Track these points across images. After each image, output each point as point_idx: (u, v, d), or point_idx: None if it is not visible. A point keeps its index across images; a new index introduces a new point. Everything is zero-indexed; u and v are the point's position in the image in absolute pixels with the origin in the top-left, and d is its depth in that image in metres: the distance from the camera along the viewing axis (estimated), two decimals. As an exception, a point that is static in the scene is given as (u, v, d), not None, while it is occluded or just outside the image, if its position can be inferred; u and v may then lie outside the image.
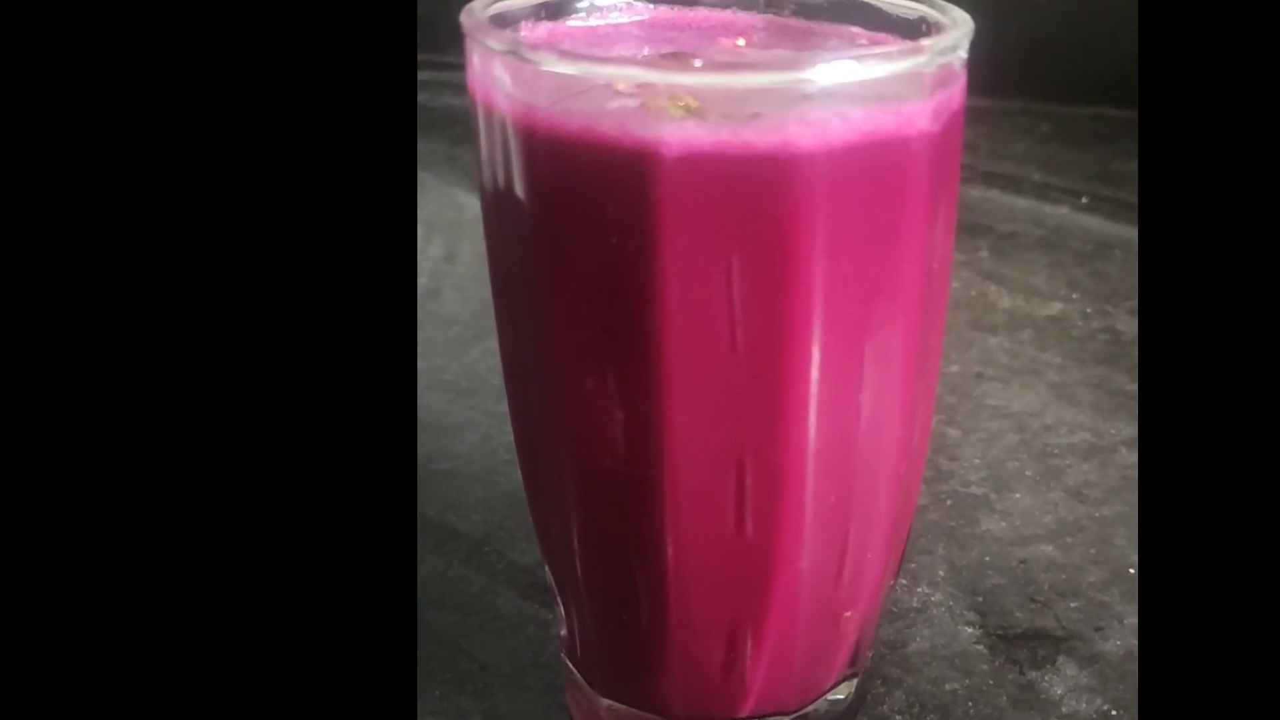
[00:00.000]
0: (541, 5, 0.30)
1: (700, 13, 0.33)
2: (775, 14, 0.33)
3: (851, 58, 0.24)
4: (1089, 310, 0.61)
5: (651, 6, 0.32)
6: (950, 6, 0.29)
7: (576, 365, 0.27)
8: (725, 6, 0.33)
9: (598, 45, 0.31)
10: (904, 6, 0.30)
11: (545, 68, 0.25)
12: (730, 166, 0.24)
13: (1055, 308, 0.62)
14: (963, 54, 0.27)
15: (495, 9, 0.29)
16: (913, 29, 0.30)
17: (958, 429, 0.52)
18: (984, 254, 0.68)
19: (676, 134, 0.24)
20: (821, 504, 0.29)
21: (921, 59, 0.25)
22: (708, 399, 0.27)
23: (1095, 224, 0.71)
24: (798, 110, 0.24)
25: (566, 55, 0.25)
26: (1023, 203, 0.74)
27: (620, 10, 0.32)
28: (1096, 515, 0.46)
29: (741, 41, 0.32)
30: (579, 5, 0.31)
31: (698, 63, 0.25)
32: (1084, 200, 0.74)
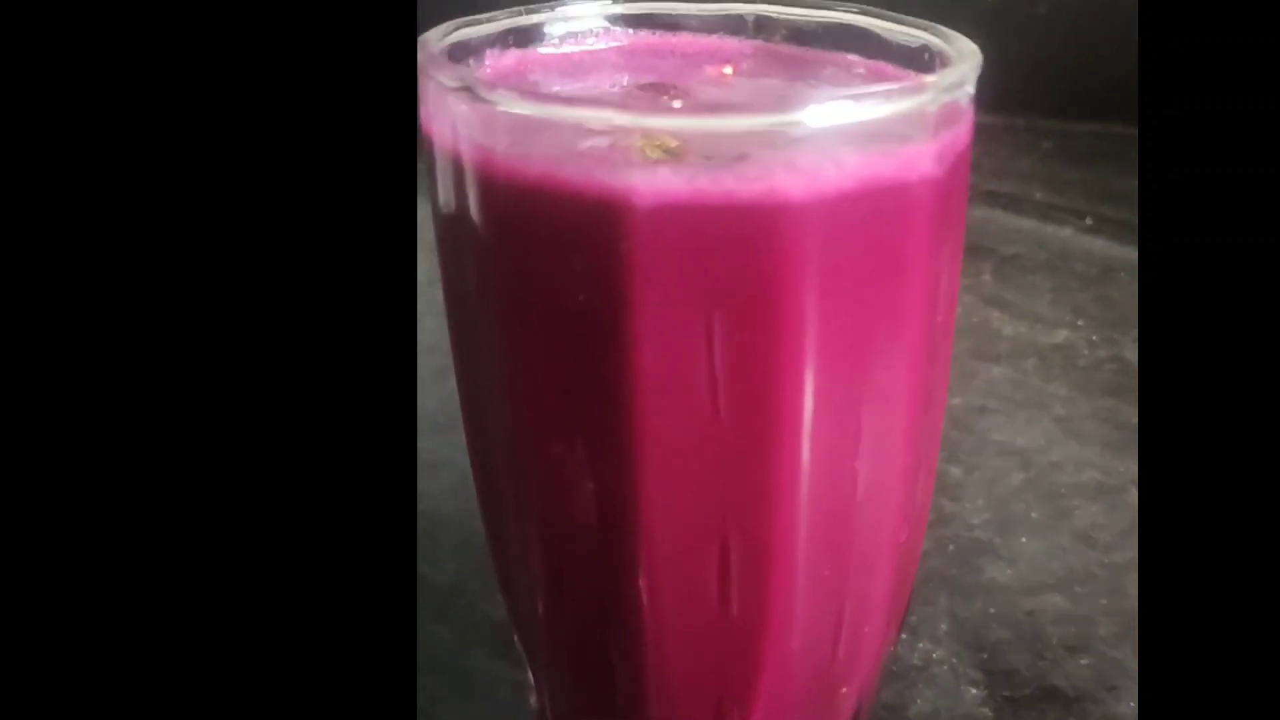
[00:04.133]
0: (509, 31, 0.28)
1: (684, 38, 0.30)
2: (765, 40, 0.30)
3: (847, 97, 0.22)
4: (1095, 338, 0.59)
5: (631, 32, 0.30)
6: (955, 35, 0.26)
7: (542, 431, 0.25)
8: (711, 31, 0.30)
9: (571, 75, 0.29)
10: (905, 33, 0.28)
11: (503, 108, 0.22)
12: (710, 217, 0.21)
13: (1060, 335, 0.59)
14: (970, 89, 0.24)
15: (456, 37, 0.27)
16: (914, 58, 0.27)
17: (960, 467, 0.49)
18: (986, 277, 0.65)
19: (650, 182, 0.21)
20: (814, 579, 0.26)
21: (925, 97, 0.23)
22: (687, 468, 0.24)
23: (1100, 246, 0.69)
24: (787, 155, 0.22)
25: (527, 95, 0.22)
26: (1026, 223, 0.72)
27: (596, 36, 0.30)
28: (1107, 561, 0.44)
29: (728, 70, 0.29)
30: (550, 31, 0.29)
31: (677, 103, 0.22)
32: (1088, 221, 0.72)
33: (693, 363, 0.23)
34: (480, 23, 0.27)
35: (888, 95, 0.22)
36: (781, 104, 0.22)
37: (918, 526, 0.29)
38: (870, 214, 0.22)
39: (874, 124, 0.22)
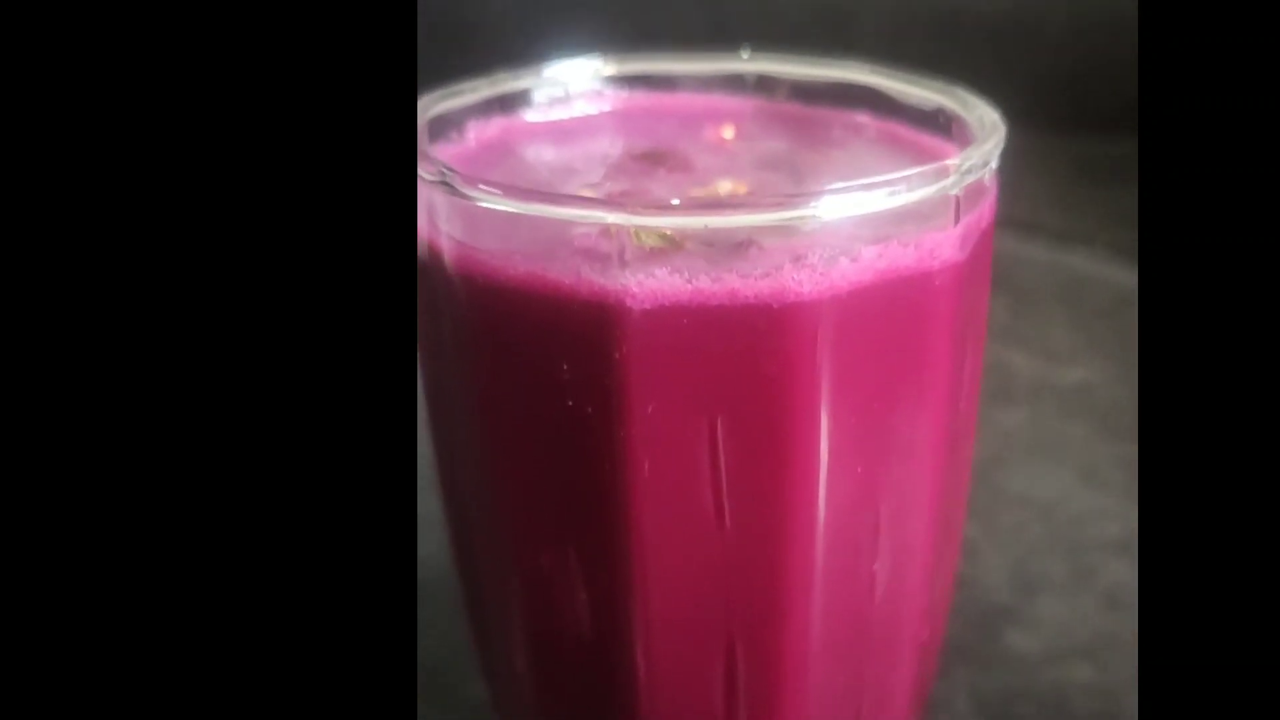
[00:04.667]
0: (495, 99, 0.26)
1: (681, 97, 0.28)
2: (767, 98, 0.28)
3: (862, 186, 0.20)
4: (1114, 375, 0.57)
5: (625, 93, 0.28)
6: (974, 99, 0.24)
7: (530, 539, 0.23)
8: (710, 90, 0.28)
9: (561, 142, 0.27)
10: (919, 95, 0.26)
11: (484, 205, 0.20)
12: (712, 319, 0.19)
13: (1078, 374, 0.57)
14: (994, 165, 0.22)
15: (436, 110, 0.25)
16: (929, 120, 0.26)
17: (977, 522, 0.47)
18: (999, 311, 0.63)
19: (644, 283, 0.19)
20: (828, 688, 0.24)
21: (948, 181, 0.21)
22: (690, 579, 0.22)
23: (1116, 274, 0.67)
24: (795, 248, 0.20)
25: (509, 191, 0.20)
26: (1039, 251, 0.70)
27: (588, 99, 0.28)
28: (1134, 625, 0.41)
29: (729, 132, 0.27)
30: (539, 95, 0.27)
31: (675, 199, 0.20)
32: (1103, 248, 0.70)
33: (694, 470, 0.21)
34: (462, 93, 0.25)
35: (908, 183, 0.20)
36: (789, 199, 0.20)
37: (939, 622, 0.27)
38: (888, 307, 0.20)
39: (892, 213, 0.20)
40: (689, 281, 0.19)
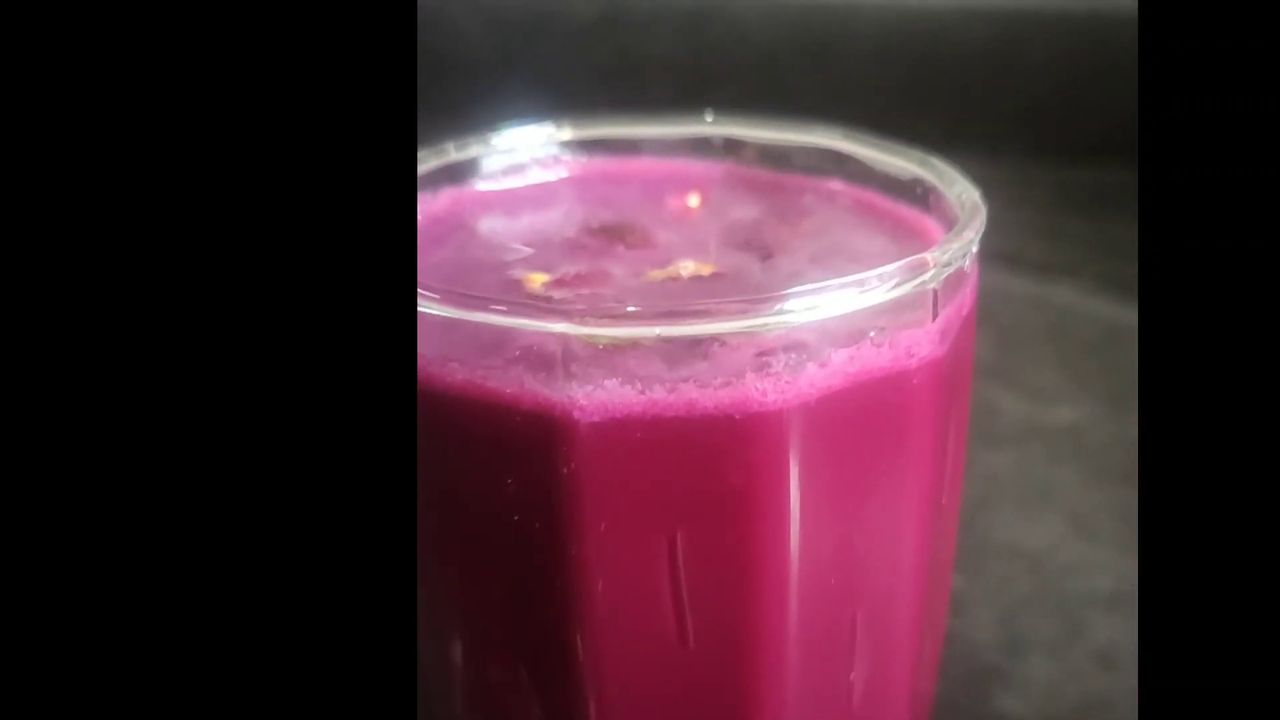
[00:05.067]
0: (444, 168, 0.24)
1: (644, 162, 0.27)
2: (736, 162, 0.27)
3: (832, 287, 0.18)
4: (1103, 415, 0.55)
5: (584, 159, 0.26)
6: (952, 173, 0.23)
7: (480, 651, 0.21)
8: (674, 154, 0.27)
9: (514, 213, 0.25)
10: (894, 163, 0.24)
11: (417, 309, 0.18)
12: (667, 431, 0.18)
13: (1066, 414, 0.56)
14: (975, 248, 0.21)
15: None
16: (906, 191, 0.24)
17: (963, 575, 0.45)
18: (984, 349, 0.62)
19: (594, 395, 0.17)
20: (804, 802, 0.23)
21: (925, 277, 0.19)
22: (651, 699, 0.21)
23: (1103, 308, 0.66)
24: (760, 349, 0.18)
25: (447, 296, 0.18)
26: (1024, 284, 0.69)
27: (544, 165, 0.26)
28: (1128, 686, 0.40)
29: (694, 200, 0.26)
30: (491, 163, 0.25)
31: (631, 306, 0.18)
32: (1090, 279, 0.69)
33: (653, 588, 0.19)
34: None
35: (881, 280, 0.19)
36: (752, 304, 0.18)
37: (924, 706, 0.26)
38: (860, 411, 0.19)
39: (866, 312, 0.19)
40: (642, 393, 0.18)
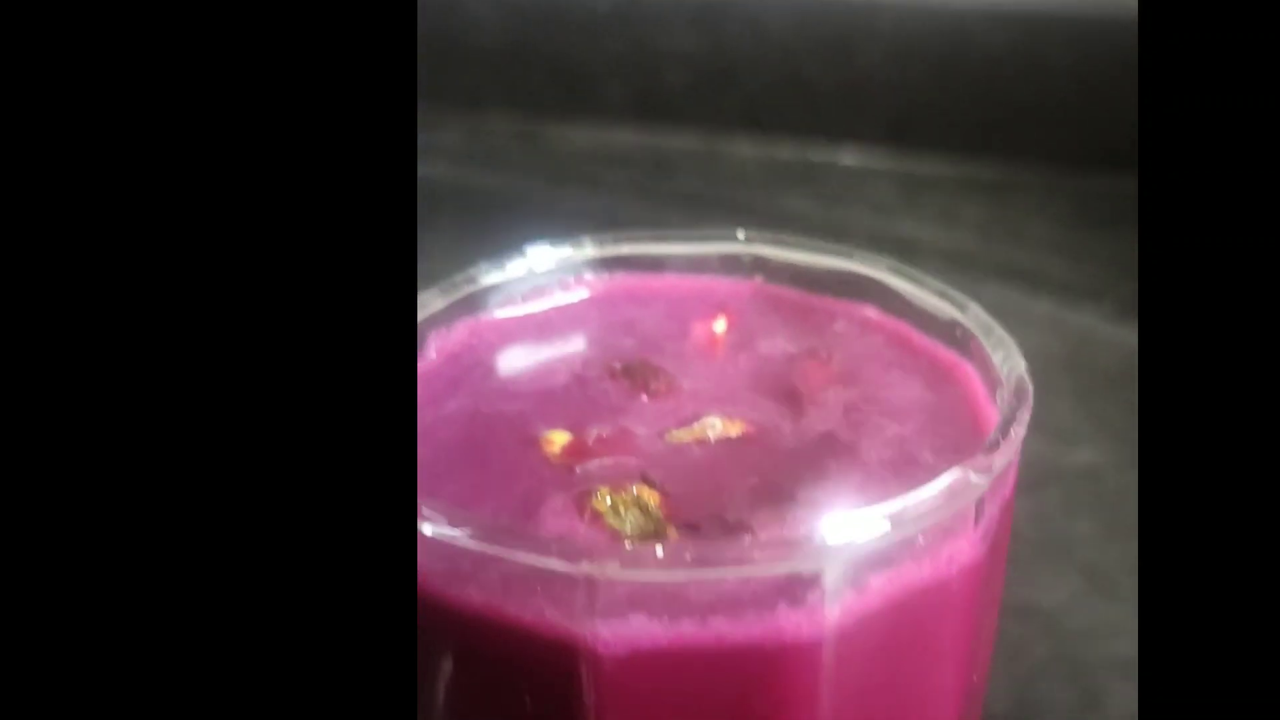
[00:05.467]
0: (459, 302, 0.23)
1: (668, 279, 0.26)
2: (765, 280, 0.25)
3: (881, 516, 0.17)
4: (1122, 458, 0.54)
5: (606, 276, 0.25)
6: (993, 325, 0.22)
7: None
8: (700, 270, 0.26)
9: (532, 344, 0.24)
10: (932, 301, 0.23)
11: (431, 533, 0.17)
12: (696, 665, 0.17)
13: (1084, 456, 0.55)
14: (1023, 429, 0.20)
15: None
16: (944, 331, 0.23)
17: (978, 636, 0.45)
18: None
19: (619, 630, 0.16)
20: None
21: (970, 491, 0.18)
22: None
23: (1123, 335, 0.64)
24: (795, 587, 0.17)
25: (458, 520, 0.17)
26: (1042, 307, 0.67)
27: (564, 286, 0.25)
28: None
29: (721, 325, 0.25)
30: (509, 288, 0.24)
31: (659, 549, 0.17)
32: (1111, 303, 0.67)
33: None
34: (423, 304, 0.23)
35: (933, 503, 0.17)
36: (785, 548, 0.16)
37: None
38: (896, 626, 0.18)
39: (906, 534, 0.17)
40: (670, 627, 0.17)
